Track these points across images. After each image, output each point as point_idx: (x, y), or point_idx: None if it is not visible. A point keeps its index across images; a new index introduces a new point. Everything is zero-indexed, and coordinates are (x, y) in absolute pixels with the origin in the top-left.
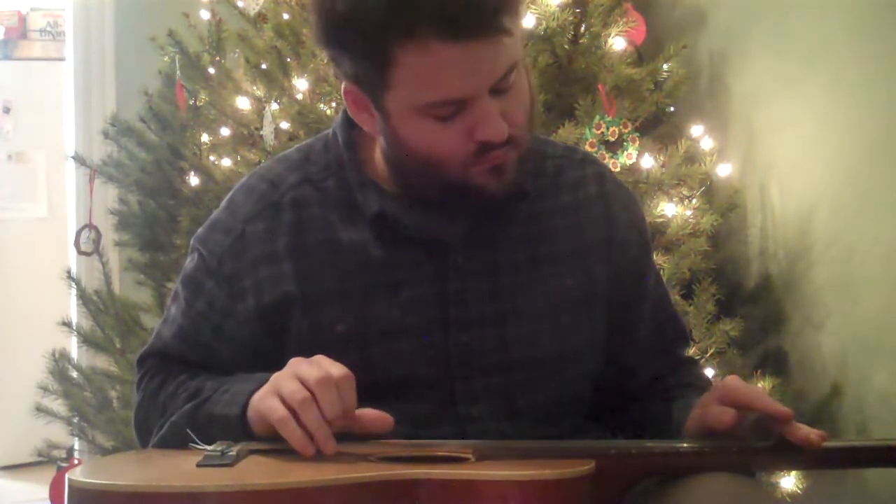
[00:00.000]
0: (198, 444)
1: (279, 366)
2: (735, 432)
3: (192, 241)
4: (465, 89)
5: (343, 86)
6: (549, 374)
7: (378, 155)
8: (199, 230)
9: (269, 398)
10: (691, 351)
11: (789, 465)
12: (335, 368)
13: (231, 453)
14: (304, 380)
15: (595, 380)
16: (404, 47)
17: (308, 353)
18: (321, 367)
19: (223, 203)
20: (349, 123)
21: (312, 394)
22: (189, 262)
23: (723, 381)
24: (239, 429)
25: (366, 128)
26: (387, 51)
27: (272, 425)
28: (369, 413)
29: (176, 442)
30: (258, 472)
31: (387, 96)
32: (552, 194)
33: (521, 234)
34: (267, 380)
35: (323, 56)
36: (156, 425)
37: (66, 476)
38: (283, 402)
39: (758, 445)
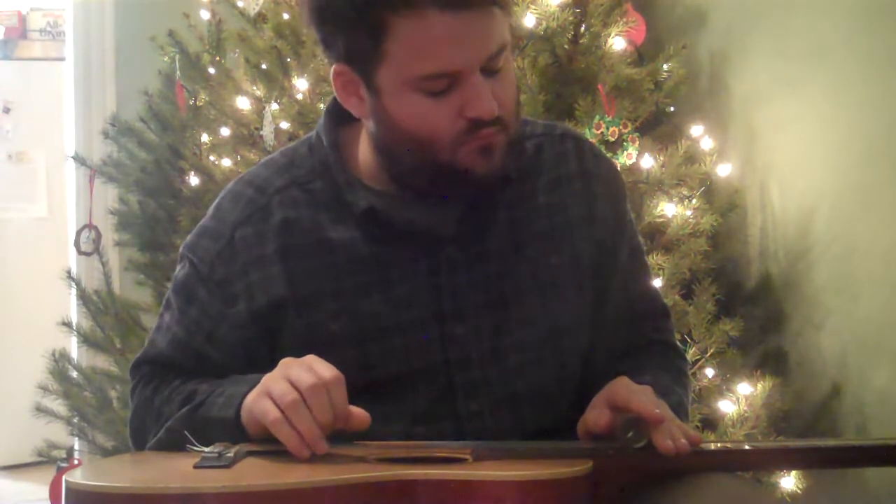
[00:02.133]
0: (195, 445)
1: (273, 369)
2: (613, 433)
3: (181, 250)
4: (458, 61)
5: (333, 68)
6: (544, 355)
7: (363, 154)
8: (188, 238)
9: (262, 400)
10: (691, 351)
11: (787, 465)
12: (326, 371)
13: (228, 455)
14: (295, 383)
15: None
16: (399, 16)
17: (304, 353)
18: (312, 371)
19: (210, 211)
20: (333, 125)
21: (303, 397)
22: (180, 270)
23: (610, 382)
24: (235, 431)
25: (354, 112)
26: (381, 21)
27: (266, 427)
28: (352, 411)
29: (173, 446)
30: (255, 473)
31: (379, 71)
32: (534, 174)
33: (507, 218)
34: (259, 381)
35: (323, 56)
36: (152, 431)
37: (64, 478)
38: (275, 403)
39: (631, 447)
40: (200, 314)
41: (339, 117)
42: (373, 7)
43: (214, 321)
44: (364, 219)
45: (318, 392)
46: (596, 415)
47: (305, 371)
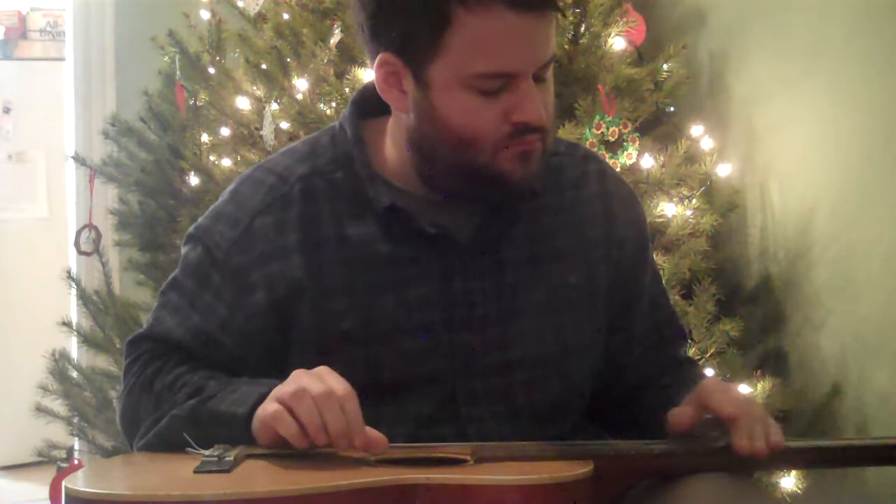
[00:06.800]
0: (195, 448)
1: (284, 361)
2: (694, 432)
3: (192, 230)
4: (517, 62)
5: (379, 57)
6: (550, 372)
7: (387, 150)
8: (201, 220)
9: (269, 402)
10: (691, 351)
11: (787, 465)
12: (337, 384)
13: (228, 458)
14: (306, 389)
15: (595, 378)
16: (467, 10)
17: (313, 349)
18: (323, 381)
19: (226, 195)
20: (357, 118)
21: (313, 399)
22: (191, 251)
23: (703, 381)
24: (243, 428)
25: (393, 104)
26: (448, 13)
27: (273, 432)
28: (370, 433)
29: (173, 437)
30: (256, 478)
31: (433, 64)
32: (555, 192)
33: (525, 232)
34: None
35: (323, 56)
36: (148, 416)
37: (63, 483)
38: (280, 402)
39: (710, 446)
40: (215, 300)
41: (364, 110)
42: None
43: (230, 309)
44: (384, 216)
45: (330, 399)
46: (680, 412)
47: (316, 380)
